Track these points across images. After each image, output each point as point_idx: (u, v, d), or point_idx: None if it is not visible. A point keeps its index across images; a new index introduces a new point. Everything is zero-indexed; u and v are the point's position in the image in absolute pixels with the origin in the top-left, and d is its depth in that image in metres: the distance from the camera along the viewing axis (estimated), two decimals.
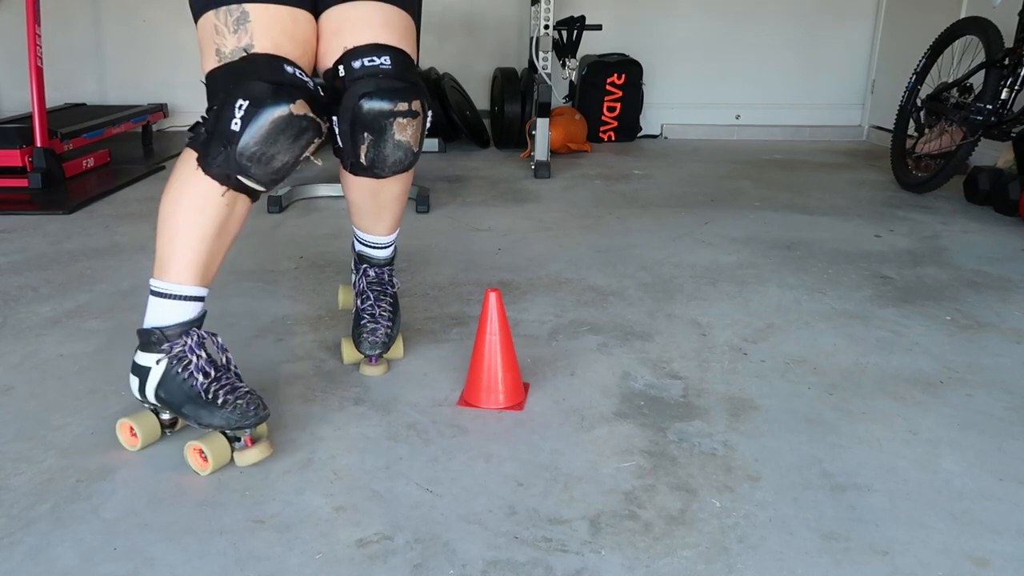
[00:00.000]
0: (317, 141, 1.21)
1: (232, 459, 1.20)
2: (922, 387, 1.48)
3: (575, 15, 3.79)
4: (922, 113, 3.07)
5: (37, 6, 2.97)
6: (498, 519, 1.09)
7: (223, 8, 1.19)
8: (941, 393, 1.46)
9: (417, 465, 1.21)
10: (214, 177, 1.19)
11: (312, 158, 1.25)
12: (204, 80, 1.22)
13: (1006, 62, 2.65)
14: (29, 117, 2.98)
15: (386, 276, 1.56)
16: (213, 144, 1.17)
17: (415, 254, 2.23)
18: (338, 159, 1.38)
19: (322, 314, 1.79)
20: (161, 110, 4.08)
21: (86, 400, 1.40)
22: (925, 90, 3.10)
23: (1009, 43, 2.70)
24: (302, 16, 1.25)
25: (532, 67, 3.53)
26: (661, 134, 4.37)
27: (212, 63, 1.20)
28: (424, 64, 4.03)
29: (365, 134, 1.28)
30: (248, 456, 1.20)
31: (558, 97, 4.14)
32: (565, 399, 1.42)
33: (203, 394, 1.19)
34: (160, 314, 1.22)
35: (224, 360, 1.25)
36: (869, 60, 4.32)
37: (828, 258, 2.24)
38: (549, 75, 3.27)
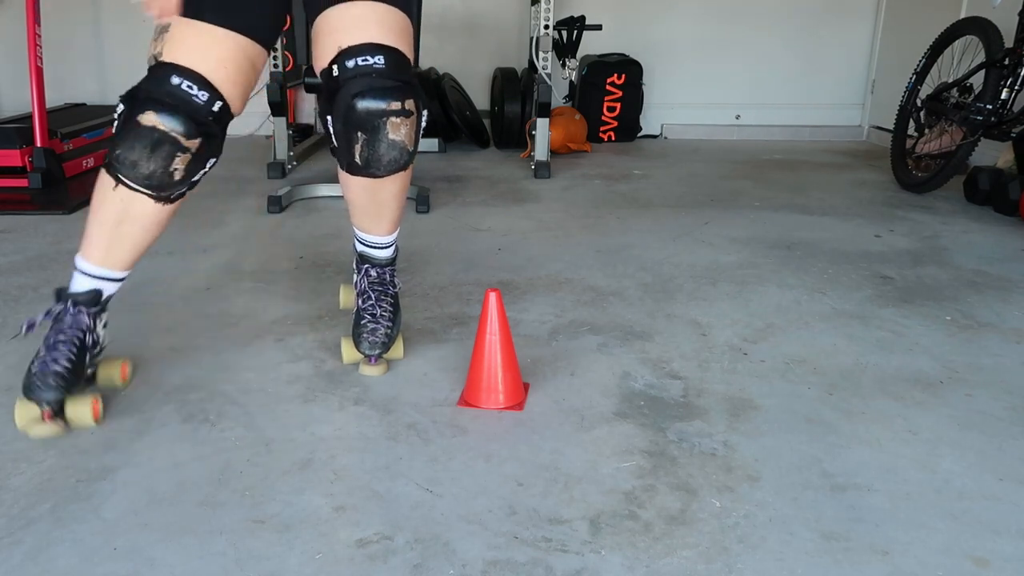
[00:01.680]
0: (180, 156, 1.25)
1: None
2: (922, 387, 1.48)
3: (575, 15, 3.79)
4: (922, 113, 3.07)
5: (37, 6, 2.97)
6: (498, 519, 1.09)
7: (163, 20, 1.27)
8: (941, 393, 1.46)
9: (417, 465, 1.21)
10: (107, 173, 1.28)
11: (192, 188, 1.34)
12: None
13: (1006, 62, 2.65)
14: (29, 117, 2.98)
15: (387, 276, 1.56)
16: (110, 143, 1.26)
17: (415, 254, 2.23)
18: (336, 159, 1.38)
19: (322, 314, 1.79)
20: None
21: None
22: (925, 90, 3.10)
23: (1009, 43, 2.70)
24: (230, 37, 1.27)
25: (532, 67, 3.53)
26: (661, 134, 4.37)
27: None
28: (424, 64, 4.03)
29: (359, 133, 1.28)
30: (37, 429, 1.27)
31: (558, 97, 4.14)
32: (565, 399, 1.42)
33: (35, 358, 1.30)
34: (72, 280, 1.36)
35: (90, 340, 1.33)
36: (869, 60, 4.32)
37: (828, 258, 2.24)
38: (549, 75, 3.27)
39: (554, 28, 3.44)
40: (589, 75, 4.06)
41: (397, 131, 1.29)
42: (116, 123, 1.25)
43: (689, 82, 4.35)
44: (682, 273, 2.10)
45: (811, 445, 1.28)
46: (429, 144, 3.74)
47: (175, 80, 1.22)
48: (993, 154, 3.08)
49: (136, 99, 1.23)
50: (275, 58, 3.29)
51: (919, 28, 3.61)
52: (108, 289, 1.37)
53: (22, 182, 2.90)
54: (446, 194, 2.96)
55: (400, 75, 1.28)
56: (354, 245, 1.57)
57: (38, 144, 2.92)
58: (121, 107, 1.24)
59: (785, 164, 3.65)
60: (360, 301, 1.54)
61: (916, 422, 1.36)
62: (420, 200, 2.70)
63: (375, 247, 1.54)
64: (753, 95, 4.36)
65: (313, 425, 1.32)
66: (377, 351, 1.49)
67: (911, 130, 3.15)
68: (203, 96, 1.24)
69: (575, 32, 3.76)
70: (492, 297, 1.38)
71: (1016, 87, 2.64)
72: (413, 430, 1.31)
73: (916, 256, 2.27)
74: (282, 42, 3.29)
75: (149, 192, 1.27)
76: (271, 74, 3.29)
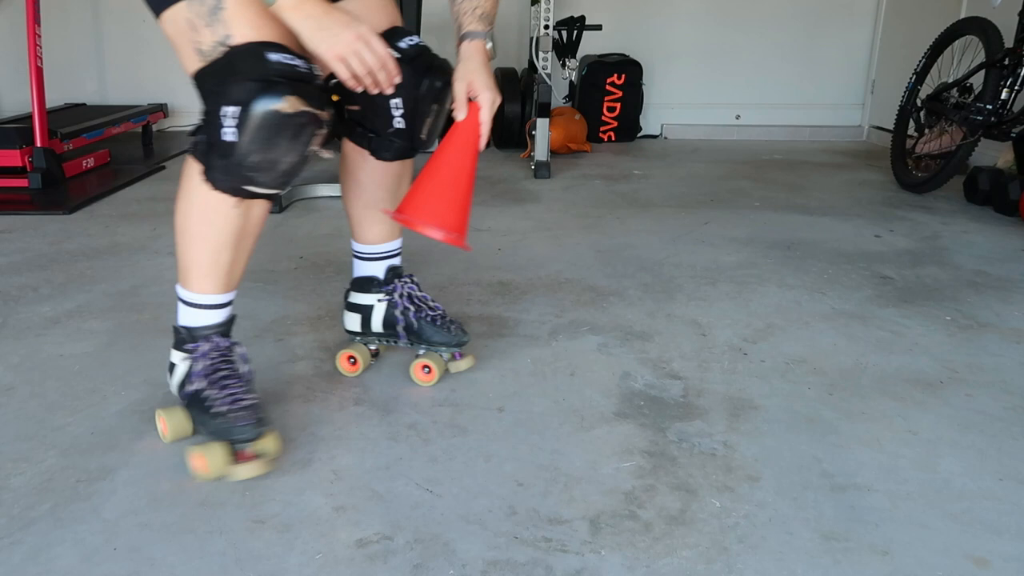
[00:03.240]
0: (320, 133, 1.13)
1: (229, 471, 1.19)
2: (922, 387, 1.48)
3: (575, 15, 3.79)
4: (922, 113, 3.07)
5: (37, 6, 2.97)
6: (498, 519, 1.09)
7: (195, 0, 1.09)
8: (941, 393, 1.46)
9: (417, 465, 1.21)
10: (221, 191, 1.14)
11: (320, 151, 1.17)
12: (193, 82, 1.13)
13: (1006, 62, 2.65)
14: (29, 117, 2.98)
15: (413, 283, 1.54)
16: (212, 156, 1.11)
17: (415, 254, 2.23)
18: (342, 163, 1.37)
19: (322, 314, 1.79)
20: (161, 110, 4.08)
21: (86, 400, 1.40)
22: (925, 90, 3.10)
23: (1009, 43, 2.70)
24: None
25: (532, 67, 3.53)
26: (661, 134, 4.37)
27: (195, 63, 1.11)
28: None
29: (434, 106, 1.31)
30: (239, 471, 1.16)
31: (558, 97, 4.14)
32: (565, 399, 1.42)
33: (200, 400, 1.20)
34: (186, 317, 1.25)
35: (244, 370, 1.24)
36: (869, 60, 4.32)
37: (828, 258, 2.24)
38: (549, 75, 3.27)
39: (554, 28, 3.44)
40: (589, 75, 4.06)
41: (446, 100, 1.34)
42: (228, 128, 1.07)
43: (689, 82, 4.35)
44: (682, 273, 2.10)
45: (811, 445, 1.28)
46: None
47: (274, 56, 1.08)
48: (993, 154, 3.08)
49: (245, 98, 1.06)
50: None
51: (919, 28, 3.61)
52: (231, 310, 1.29)
53: (22, 182, 2.90)
54: None
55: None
56: (366, 273, 1.49)
57: (38, 144, 2.92)
58: (232, 109, 1.06)
59: (785, 164, 3.65)
60: (412, 307, 1.48)
61: (916, 422, 1.36)
62: None
63: (398, 254, 1.50)
64: (753, 95, 4.36)
65: (313, 425, 1.32)
66: (467, 338, 1.48)
67: (911, 130, 3.15)
68: (304, 64, 1.11)
69: (575, 32, 3.76)
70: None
71: (1016, 87, 2.64)
72: (413, 430, 1.31)
73: (916, 256, 2.27)
74: None
75: (276, 191, 1.17)
76: None
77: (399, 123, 1.32)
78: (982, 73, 2.73)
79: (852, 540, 1.05)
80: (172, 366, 1.28)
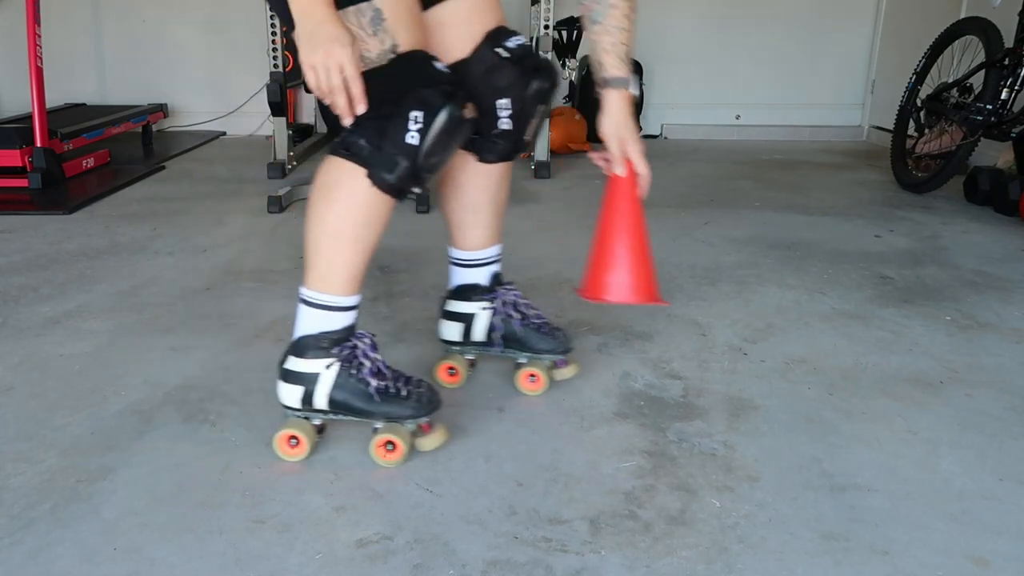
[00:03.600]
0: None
1: (413, 447, 1.23)
2: (922, 387, 1.48)
3: (575, 15, 3.79)
4: (922, 113, 3.07)
5: (37, 6, 2.97)
6: (498, 519, 1.09)
7: (352, 8, 1.11)
8: (941, 393, 1.46)
9: (417, 465, 1.21)
10: (388, 191, 1.16)
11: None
12: None
13: (1006, 62, 2.65)
14: (29, 117, 2.98)
15: (514, 291, 1.49)
16: (383, 158, 1.12)
17: (415, 254, 2.23)
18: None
19: None
20: (161, 110, 4.08)
21: (86, 400, 1.40)
22: (925, 90, 3.10)
23: (1009, 43, 2.70)
24: (419, 6, 1.20)
25: None
26: (661, 134, 4.37)
27: None
28: None
29: (540, 107, 1.32)
30: (430, 441, 1.23)
31: (558, 97, 4.14)
32: (565, 399, 1.42)
33: (387, 390, 1.21)
34: (324, 322, 1.21)
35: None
36: (869, 60, 4.32)
37: (828, 258, 2.24)
38: None
39: (554, 28, 3.43)
40: (589, 75, 4.06)
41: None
42: (415, 133, 1.10)
43: (689, 82, 4.35)
44: (682, 273, 2.10)
45: (811, 445, 1.28)
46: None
47: (437, 65, 1.15)
48: (993, 154, 3.08)
49: (433, 103, 1.11)
50: (275, 58, 3.29)
51: (919, 28, 3.61)
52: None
53: (22, 182, 2.90)
54: None
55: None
56: (468, 281, 1.46)
57: (38, 144, 2.92)
58: (419, 114, 1.10)
59: (785, 164, 3.65)
60: (515, 315, 1.44)
61: (916, 422, 1.36)
62: (420, 200, 2.70)
63: (499, 259, 1.47)
64: (753, 95, 4.36)
65: None
66: (571, 345, 1.45)
67: (911, 130, 3.15)
68: (449, 70, 1.18)
69: (575, 32, 3.76)
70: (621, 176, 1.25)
71: (1016, 87, 2.64)
72: None
73: (916, 256, 2.27)
74: (282, 42, 3.29)
75: (421, 189, 1.19)
76: (271, 74, 3.29)
77: (506, 124, 1.31)
78: (982, 73, 2.73)
79: (852, 540, 1.05)
80: (309, 377, 1.21)
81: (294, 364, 1.22)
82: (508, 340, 1.44)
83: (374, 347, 1.24)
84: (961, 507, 1.12)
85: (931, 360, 1.60)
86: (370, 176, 1.14)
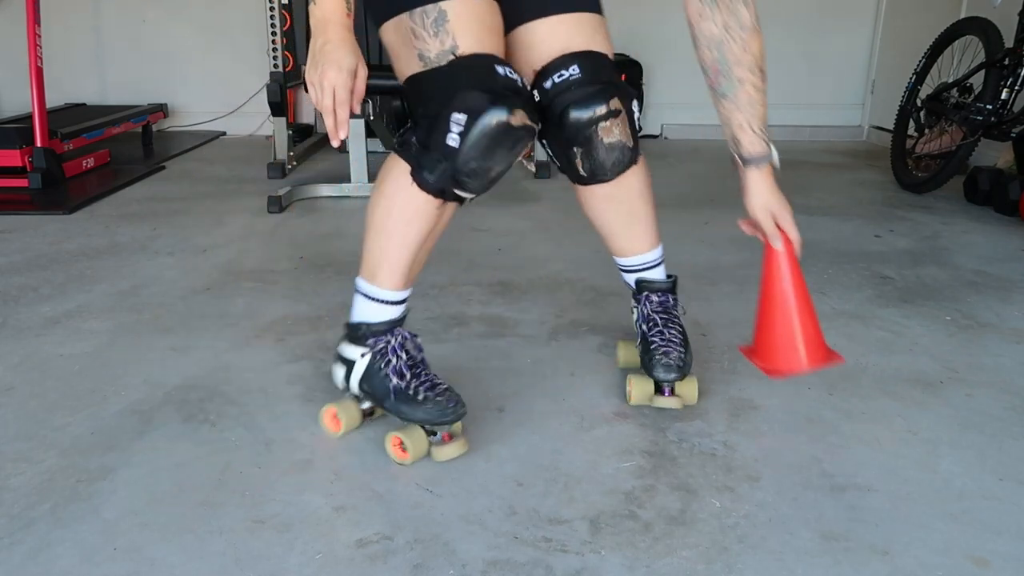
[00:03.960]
0: (528, 143, 1.18)
1: (429, 453, 1.23)
2: (922, 387, 1.48)
3: None
4: (922, 113, 3.07)
5: (37, 6, 2.97)
6: (498, 519, 1.09)
7: (418, 10, 1.13)
8: (941, 393, 1.46)
9: (417, 465, 1.21)
10: (429, 191, 1.17)
11: (524, 161, 1.24)
12: (404, 84, 1.18)
13: (1006, 62, 2.65)
14: (29, 117, 2.98)
15: (670, 302, 1.45)
16: (427, 158, 1.14)
17: None
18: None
19: (322, 314, 1.79)
20: (161, 110, 4.08)
21: (86, 400, 1.40)
22: (925, 90, 3.10)
23: (1009, 43, 2.70)
24: (495, 5, 1.20)
25: None
26: (661, 134, 4.37)
27: (415, 67, 1.15)
28: None
29: (575, 149, 1.25)
30: (445, 452, 1.22)
31: None
32: (565, 399, 1.42)
33: (404, 390, 1.21)
34: (367, 313, 1.25)
35: (421, 358, 1.27)
36: (869, 60, 4.32)
37: (828, 258, 2.24)
38: None
39: None
40: None
41: (610, 134, 1.26)
42: (455, 135, 1.10)
43: (689, 82, 4.33)
44: (682, 273, 2.09)
45: (811, 445, 1.28)
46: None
47: (501, 71, 1.13)
48: (993, 154, 3.08)
49: (477, 107, 1.09)
50: (275, 58, 3.30)
51: (919, 28, 3.61)
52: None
53: (22, 182, 2.90)
54: None
55: (598, 77, 1.23)
56: (624, 280, 1.50)
57: (38, 144, 2.93)
58: (461, 117, 1.10)
59: (785, 164, 3.61)
60: (645, 327, 1.42)
61: (916, 422, 1.36)
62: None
63: (646, 268, 1.45)
64: None
65: (313, 425, 1.32)
66: (673, 375, 1.34)
67: (911, 130, 3.15)
68: (519, 78, 1.16)
69: None
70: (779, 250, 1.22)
71: (1016, 87, 2.64)
72: None
73: (916, 256, 2.27)
74: (282, 42, 3.29)
75: (475, 194, 1.20)
76: (271, 74, 3.29)
77: (556, 160, 1.34)
78: (982, 73, 2.73)
79: (852, 540, 1.05)
80: (349, 361, 1.28)
81: (342, 346, 1.29)
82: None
83: (405, 347, 1.25)
84: (961, 507, 1.12)
85: (931, 360, 1.60)
86: (413, 174, 1.17)
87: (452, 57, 1.13)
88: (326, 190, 2.91)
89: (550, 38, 1.24)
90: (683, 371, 1.36)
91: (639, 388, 1.39)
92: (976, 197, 2.85)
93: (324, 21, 1.10)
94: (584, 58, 1.23)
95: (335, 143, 1.13)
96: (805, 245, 2.34)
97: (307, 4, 1.14)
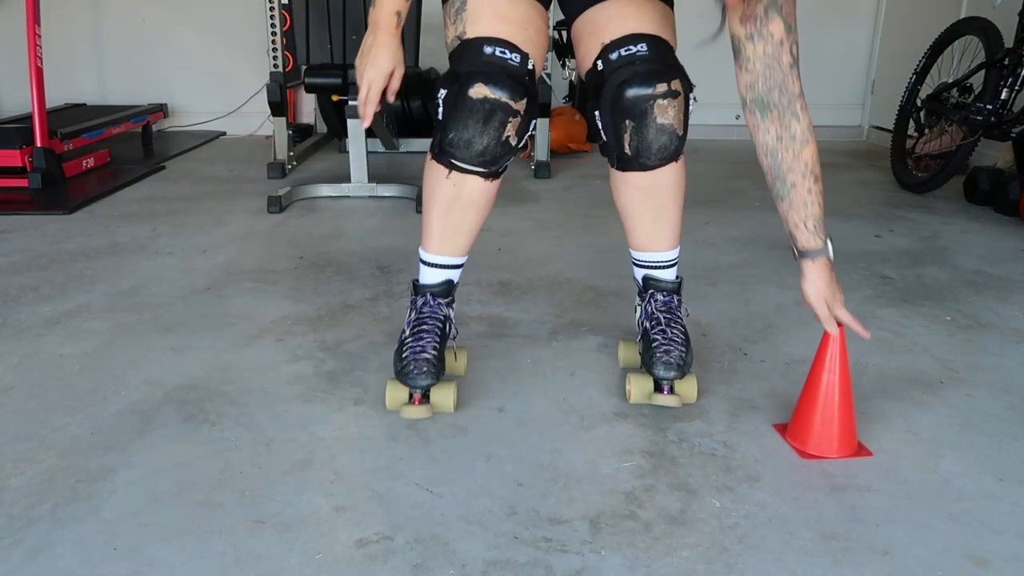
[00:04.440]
0: (512, 121, 1.24)
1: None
2: (922, 387, 1.48)
3: None
4: (922, 113, 3.07)
5: (37, 6, 2.97)
6: (498, 519, 1.09)
7: (450, 0, 1.29)
8: (941, 393, 1.46)
9: (417, 465, 1.21)
10: (438, 162, 1.31)
11: (523, 151, 1.31)
12: None
13: (1006, 62, 2.65)
14: (29, 117, 2.98)
15: (675, 303, 1.45)
16: (436, 133, 1.29)
17: (415, 254, 2.22)
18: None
19: (322, 314, 1.79)
20: (161, 110, 4.08)
21: (86, 400, 1.40)
22: (925, 90, 3.10)
23: (1009, 43, 2.70)
24: (522, 1, 1.28)
25: None
26: None
27: (448, 54, 1.31)
28: (424, 64, 4.03)
29: (627, 121, 1.28)
30: (408, 411, 1.32)
31: (558, 97, 4.14)
32: (565, 399, 1.42)
33: (401, 343, 1.36)
34: (421, 273, 1.42)
35: (432, 325, 1.37)
36: (869, 60, 4.32)
37: None
38: (549, 75, 3.27)
39: (554, 28, 3.43)
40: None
41: (665, 114, 1.30)
42: (440, 109, 1.26)
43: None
44: (682, 273, 2.09)
45: None
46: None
47: (488, 49, 1.23)
48: (993, 154, 3.08)
49: (457, 78, 1.23)
50: (275, 58, 3.30)
51: (919, 28, 3.61)
52: (455, 276, 1.42)
53: (22, 182, 2.90)
54: None
55: (664, 59, 1.29)
56: (633, 274, 1.50)
57: (38, 144, 2.93)
58: (443, 92, 1.25)
59: None
60: (647, 324, 1.43)
61: (916, 422, 1.36)
62: (420, 200, 2.70)
63: (659, 266, 1.46)
64: None
65: (313, 425, 1.32)
66: (672, 374, 1.35)
67: (911, 130, 3.15)
68: (516, 58, 1.24)
69: None
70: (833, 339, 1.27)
71: (1016, 87, 2.64)
72: (413, 430, 1.31)
73: (916, 256, 2.27)
74: (282, 42, 3.29)
75: (481, 170, 1.29)
76: (271, 74, 3.30)
77: (603, 134, 1.36)
78: (982, 73, 2.73)
79: (852, 540, 1.05)
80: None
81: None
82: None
83: (422, 308, 1.38)
84: (961, 507, 1.12)
85: (931, 360, 1.60)
86: (430, 147, 1.32)
87: (459, 42, 1.26)
88: (326, 190, 2.91)
89: (621, 18, 1.30)
90: (683, 370, 1.36)
91: (638, 386, 1.39)
92: (976, 197, 2.85)
93: (376, 24, 1.26)
94: (652, 39, 1.29)
95: (364, 125, 1.30)
96: None
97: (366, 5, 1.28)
